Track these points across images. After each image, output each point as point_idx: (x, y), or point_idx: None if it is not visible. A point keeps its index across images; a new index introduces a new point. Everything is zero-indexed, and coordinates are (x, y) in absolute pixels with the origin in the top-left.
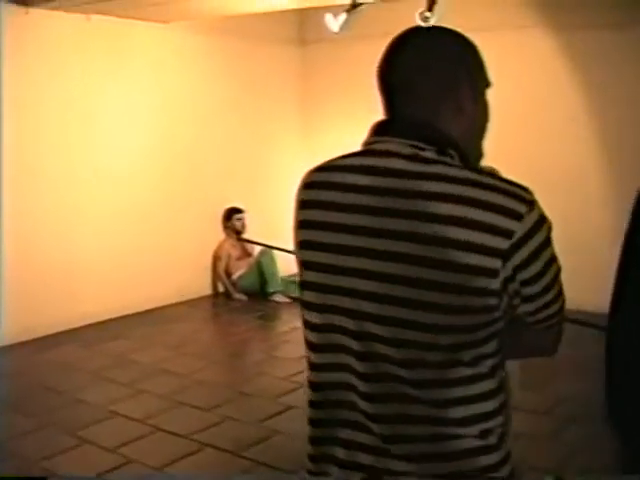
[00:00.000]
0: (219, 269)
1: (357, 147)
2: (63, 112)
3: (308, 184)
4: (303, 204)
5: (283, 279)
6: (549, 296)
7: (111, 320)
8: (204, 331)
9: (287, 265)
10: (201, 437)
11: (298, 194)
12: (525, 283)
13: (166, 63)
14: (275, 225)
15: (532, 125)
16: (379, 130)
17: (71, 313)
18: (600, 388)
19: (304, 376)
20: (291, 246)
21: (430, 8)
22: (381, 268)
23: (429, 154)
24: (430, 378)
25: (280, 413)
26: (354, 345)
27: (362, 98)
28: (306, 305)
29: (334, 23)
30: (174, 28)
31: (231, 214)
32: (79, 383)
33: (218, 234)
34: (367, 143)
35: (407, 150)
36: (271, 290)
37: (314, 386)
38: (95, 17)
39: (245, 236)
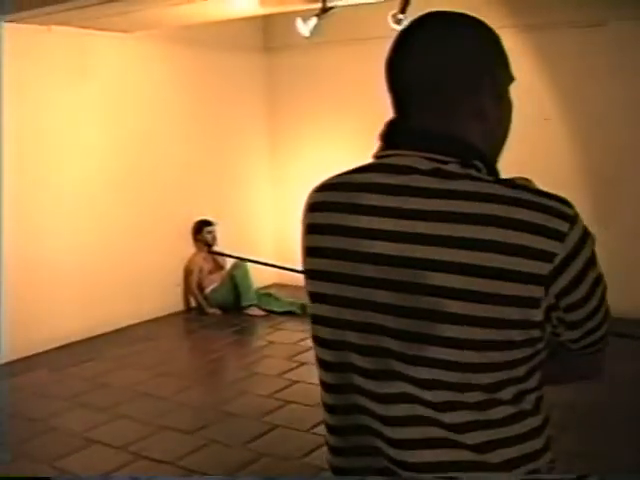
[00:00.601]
0: (191, 283)
1: (326, 156)
2: (23, 125)
3: (316, 205)
4: (311, 228)
5: (257, 292)
6: (595, 321)
7: (81, 342)
8: (180, 349)
9: (260, 277)
10: (187, 463)
11: (304, 217)
12: (569, 309)
13: (129, 73)
14: (246, 236)
15: None
16: (391, 141)
17: (38, 336)
18: (586, 394)
19: (287, 393)
20: (264, 258)
21: (403, 10)
22: (408, 302)
23: (452, 167)
24: (468, 420)
25: (266, 433)
26: (373, 386)
27: (330, 106)
28: (318, 341)
29: (304, 28)
30: (136, 38)
31: (201, 227)
32: (52, 409)
33: (189, 248)
34: (379, 156)
35: (426, 164)
36: (246, 303)
37: (332, 429)
38: (56, 28)
39: (216, 249)
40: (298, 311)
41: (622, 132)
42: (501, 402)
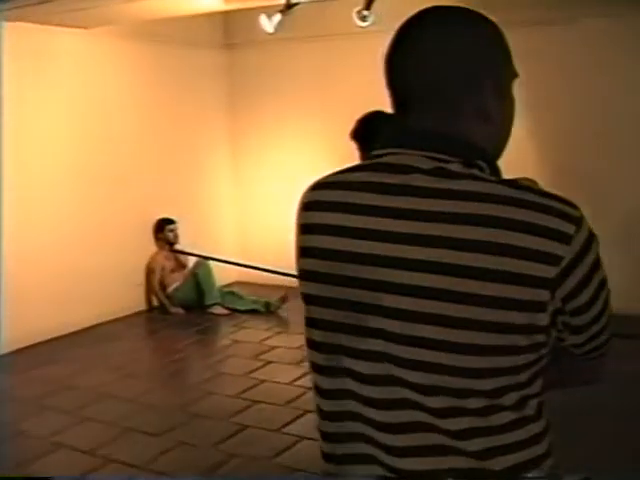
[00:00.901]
0: (153, 282)
1: (287, 153)
2: None
3: (309, 204)
4: (304, 228)
5: (220, 290)
6: (600, 324)
7: (41, 344)
8: (144, 350)
9: (222, 275)
10: (156, 466)
11: (299, 216)
12: (575, 313)
13: (88, 70)
14: (208, 234)
15: None
16: (389, 140)
17: None
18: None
19: (254, 392)
20: (226, 256)
21: (368, 6)
22: (405, 305)
23: (455, 167)
24: (470, 427)
25: (236, 434)
26: (369, 392)
27: (292, 103)
28: (310, 344)
29: (268, 24)
30: (94, 34)
31: (163, 225)
32: (17, 413)
33: (150, 246)
34: (376, 155)
35: (427, 164)
36: (209, 302)
37: (325, 435)
38: (12, 24)
39: (178, 247)
40: (262, 309)
41: (590, 127)
42: (503, 408)
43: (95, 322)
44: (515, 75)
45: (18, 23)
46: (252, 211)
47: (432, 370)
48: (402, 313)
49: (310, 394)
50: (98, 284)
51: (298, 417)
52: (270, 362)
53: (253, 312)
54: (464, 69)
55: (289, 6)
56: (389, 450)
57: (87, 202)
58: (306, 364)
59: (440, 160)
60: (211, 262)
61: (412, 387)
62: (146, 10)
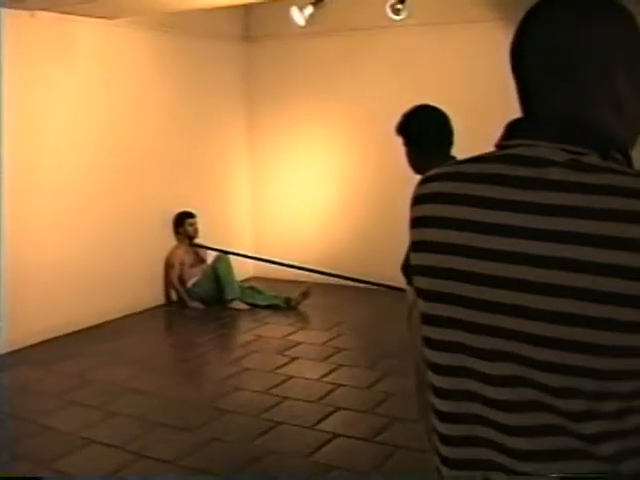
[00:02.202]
0: (172, 277)
1: (304, 149)
2: (3, 112)
3: (425, 197)
4: (419, 221)
5: (239, 285)
6: None
7: (60, 337)
8: (164, 344)
9: (239, 270)
10: (190, 462)
11: (412, 210)
12: None
13: (111, 61)
14: (225, 229)
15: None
16: (516, 130)
17: (16, 333)
18: None
19: (283, 388)
20: (243, 250)
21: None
22: (542, 305)
23: (592, 160)
24: (603, 430)
25: (268, 430)
26: (495, 393)
27: (309, 96)
28: (429, 343)
29: (300, 16)
30: (119, 25)
31: (183, 219)
32: (42, 408)
33: (168, 241)
34: (503, 146)
35: (562, 156)
36: (229, 297)
37: (444, 438)
38: (39, 13)
39: (197, 241)
40: (282, 304)
41: None
42: (637, 410)
43: (114, 316)
44: None
45: (43, 12)
46: (268, 205)
47: (568, 372)
48: (538, 313)
49: (340, 390)
50: (117, 278)
51: (331, 414)
52: (296, 358)
53: (273, 307)
54: (595, 54)
55: None
56: (514, 454)
57: (107, 195)
58: (333, 360)
59: (575, 152)
60: (231, 256)
61: (544, 389)
62: (170, 2)
